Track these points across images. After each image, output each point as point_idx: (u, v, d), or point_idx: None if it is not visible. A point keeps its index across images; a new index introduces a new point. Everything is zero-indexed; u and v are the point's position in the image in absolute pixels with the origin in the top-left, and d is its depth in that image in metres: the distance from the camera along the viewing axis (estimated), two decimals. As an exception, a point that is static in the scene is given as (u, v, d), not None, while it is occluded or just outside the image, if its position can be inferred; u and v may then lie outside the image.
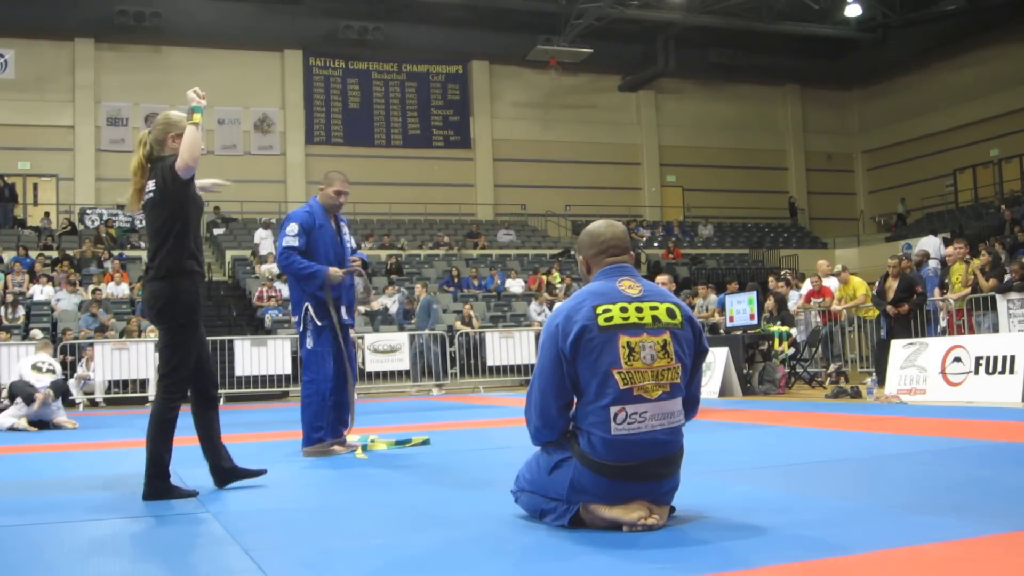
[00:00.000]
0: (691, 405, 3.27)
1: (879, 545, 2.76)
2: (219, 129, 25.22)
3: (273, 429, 8.39)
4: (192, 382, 4.33)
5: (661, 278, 9.30)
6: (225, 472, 4.36)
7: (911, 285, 11.59)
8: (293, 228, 6.01)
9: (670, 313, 3.16)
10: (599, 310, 3.08)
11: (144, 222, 4.35)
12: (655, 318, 3.12)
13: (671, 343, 3.11)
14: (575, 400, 3.18)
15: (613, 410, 3.03)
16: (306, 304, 6.02)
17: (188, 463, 5.14)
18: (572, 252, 3.81)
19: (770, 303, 12.88)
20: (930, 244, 17.55)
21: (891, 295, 11.52)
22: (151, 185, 4.22)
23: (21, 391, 9.18)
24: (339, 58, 26.42)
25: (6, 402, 9.62)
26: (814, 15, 25.67)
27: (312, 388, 5.98)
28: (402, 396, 15.07)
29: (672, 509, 3.23)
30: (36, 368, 9.51)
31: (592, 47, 25.42)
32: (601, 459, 3.05)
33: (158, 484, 4.14)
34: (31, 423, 9.14)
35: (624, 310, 3.09)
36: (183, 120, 4.27)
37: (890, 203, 29.90)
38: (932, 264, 15.41)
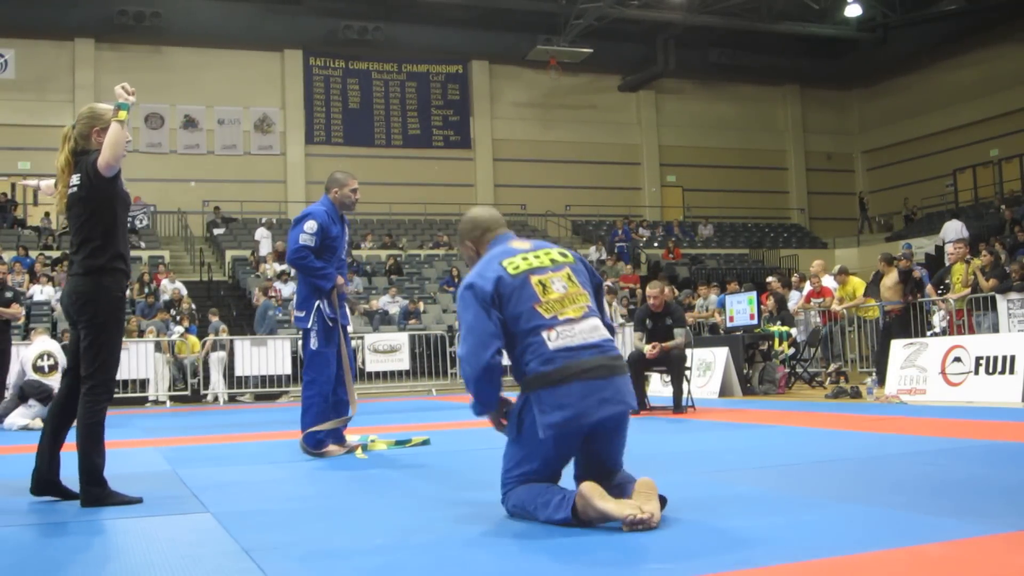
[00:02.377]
0: (609, 332, 3.50)
1: (879, 545, 2.76)
2: (219, 129, 25.24)
3: (273, 429, 8.38)
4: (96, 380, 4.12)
5: (651, 290, 9.18)
6: (46, 483, 4.15)
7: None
8: (312, 226, 5.88)
9: (562, 255, 3.53)
10: (505, 263, 3.42)
11: (67, 218, 4.20)
12: (552, 260, 3.48)
13: (573, 275, 3.47)
14: (512, 349, 3.35)
15: (545, 333, 3.30)
16: (318, 303, 5.93)
17: (187, 462, 5.14)
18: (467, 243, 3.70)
19: (770, 303, 12.89)
20: (953, 228, 17.85)
21: (883, 292, 12.34)
22: (75, 180, 4.09)
23: (36, 392, 9.12)
24: (339, 58, 26.41)
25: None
26: (814, 15, 25.66)
27: (314, 389, 5.92)
28: (401, 396, 15.07)
29: (664, 500, 3.23)
30: (39, 370, 9.42)
31: (592, 47, 25.41)
32: (549, 371, 3.25)
33: (96, 491, 3.96)
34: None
35: (525, 259, 3.45)
36: (108, 113, 4.12)
37: (890, 203, 29.89)
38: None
